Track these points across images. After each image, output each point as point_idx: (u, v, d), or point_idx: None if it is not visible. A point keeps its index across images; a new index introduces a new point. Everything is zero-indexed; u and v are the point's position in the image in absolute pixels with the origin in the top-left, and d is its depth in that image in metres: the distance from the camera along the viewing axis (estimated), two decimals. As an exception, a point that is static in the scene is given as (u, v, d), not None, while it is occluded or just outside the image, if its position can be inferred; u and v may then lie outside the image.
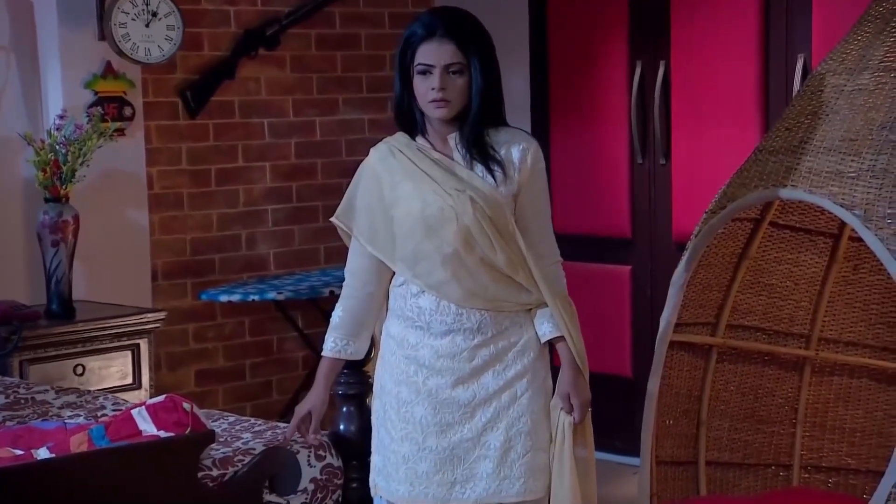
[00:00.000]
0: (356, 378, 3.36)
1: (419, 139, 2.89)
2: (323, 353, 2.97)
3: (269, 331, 5.33)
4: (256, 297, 4.94)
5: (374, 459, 2.95)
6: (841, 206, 3.05)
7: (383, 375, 2.92)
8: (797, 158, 3.21)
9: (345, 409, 3.39)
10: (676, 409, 3.50)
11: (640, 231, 5.06)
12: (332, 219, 2.98)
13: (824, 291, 3.67)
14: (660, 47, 4.92)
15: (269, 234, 5.34)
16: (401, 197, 2.84)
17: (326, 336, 2.97)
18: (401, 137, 2.91)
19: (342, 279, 5.65)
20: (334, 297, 5.06)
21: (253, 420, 3.44)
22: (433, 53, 2.77)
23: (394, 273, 2.90)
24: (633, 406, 4.74)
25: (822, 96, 3.29)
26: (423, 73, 2.78)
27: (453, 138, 2.85)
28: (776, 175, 3.23)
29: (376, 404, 2.95)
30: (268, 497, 3.06)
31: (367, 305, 2.94)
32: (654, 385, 3.34)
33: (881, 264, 2.97)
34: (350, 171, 5.71)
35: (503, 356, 2.83)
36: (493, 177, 2.82)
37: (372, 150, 2.93)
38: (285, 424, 3.58)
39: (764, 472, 3.69)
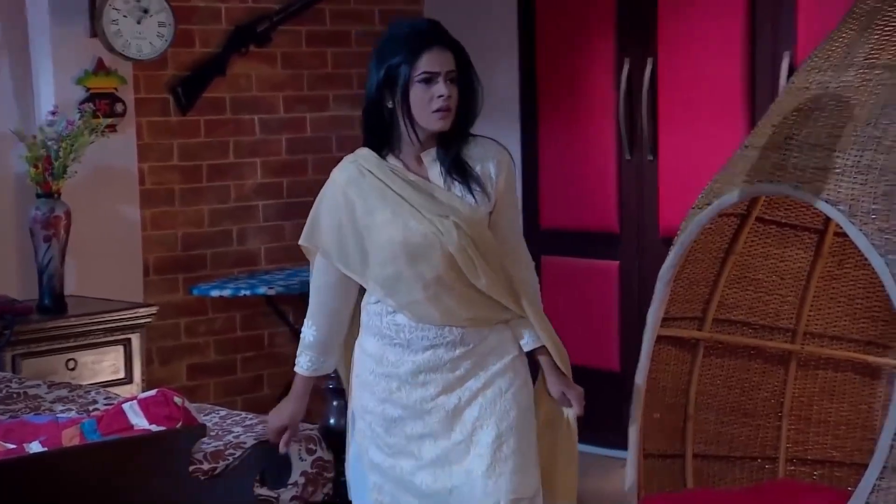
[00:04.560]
0: (346, 372, 3.38)
1: (390, 158, 2.77)
2: (298, 372, 2.92)
3: (260, 325, 5.35)
4: (247, 292, 4.95)
5: (373, 479, 2.86)
6: (826, 201, 3.05)
7: (363, 395, 2.85)
8: (783, 154, 3.22)
9: (335, 403, 3.42)
10: (664, 402, 3.52)
11: (627, 226, 5.08)
12: (300, 242, 2.86)
13: (810, 286, 3.69)
14: (647, 44, 4.94)
15: (260, 230, 5.36)
16: (378, 224, 2.73)
17: (299, 354, 2.91)
18: (368, 156, 2.77)
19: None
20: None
21: (244, 414, 3.45)
22: (437, 61, 2.68)
23: (362, 288, 2.82)
24: (620, 400, 4.76)
25: (807, 93, 3.30)
26: (427, 81, 2.67)
27: (429, 156, 2.76)
28: (762, 171, 3.24)
29: (360, 424, 2.87)
30: (259, 490, 3.08)
31: (339, 321, 2.87)
32: (641, 379, 3.36)
33: (865, 259, 2.98)
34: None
35: (484, 360, 2.78)
36: (473, 195, 2.74)
37: (337, 171, 2.80)
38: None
39: (750, 465, 3.71)
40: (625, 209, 5.08)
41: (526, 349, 2.82)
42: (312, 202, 5.95)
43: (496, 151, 2.79)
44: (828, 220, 3.54)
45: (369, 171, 2.74)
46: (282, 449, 2.94)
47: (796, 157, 3.19)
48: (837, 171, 3.07)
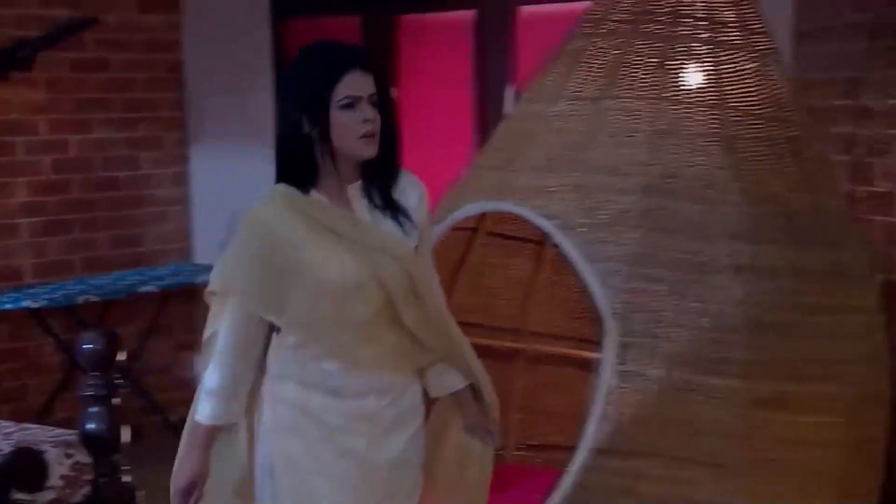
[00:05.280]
0: (103, 380, 3.46)
1: (314, 193, 2.49)
2: (199, 420, 2.53)
3: (25, 337, 5.34)
4: (10, 306, 4.97)
5: None
6: (542, 216, 3.31)
7: (285, 442, 2.53)
8: (506, 175, 3.46)
9: (94, 409, 3.47)
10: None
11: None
12: (210, 289, 2.53)
13: (533, 291, 3.99)
14: (390, 77, 5.30)
15: (25, 246, 5.36)
16: (309, 262, 2.43)
17: (201, 401, 2.53)
18: (287, 192, 2.47)
19: (97, 287, 5.67)
20: (89, 305, 5.16)
21: (3, 423, 3.46)
22: (359, 84, 2.42)
23: (273, 331, 2.54)
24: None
25: (526, 121, 3.55)
26: (349, 106, 2.42)
27: (354, 189, 2.51)
28: (489, 189, 3.47)
29: (285, 482, 2.52)
30: (16, 495, 3.10)
31: (249, 366, 2.54)
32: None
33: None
34: (105, 185, 5.76)
35: (405, 416, 2.57)
36: (403, 229, 2.51)
37: (259, 206, 2.48)
38: (37, 426, 3.61)
39: (483, 454, 3.99)
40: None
41: (450, 391, 2.63)
42: (77, 220, 5.94)
43: (415, 184, 2.58)
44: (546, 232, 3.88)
45: (293, 207, 2.45)
46: None
47: (518, 177, 3.42)
48: (552, 189, 3.33)
